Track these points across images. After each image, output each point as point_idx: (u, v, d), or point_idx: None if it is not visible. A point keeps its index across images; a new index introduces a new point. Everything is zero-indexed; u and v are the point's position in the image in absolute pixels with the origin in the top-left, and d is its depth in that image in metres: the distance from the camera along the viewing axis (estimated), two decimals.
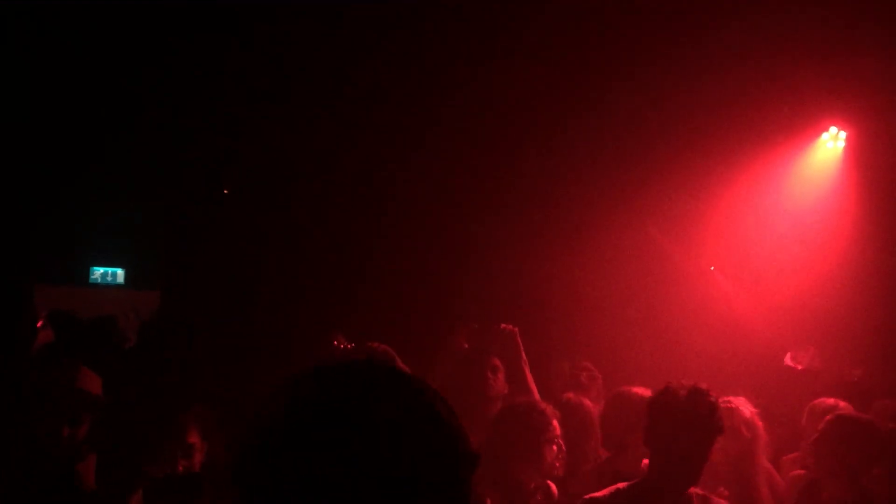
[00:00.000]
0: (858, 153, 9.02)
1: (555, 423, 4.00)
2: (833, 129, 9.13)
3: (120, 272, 12.90)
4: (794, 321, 8.30)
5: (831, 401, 4.75)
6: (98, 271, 12.76)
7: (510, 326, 5.20)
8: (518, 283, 10.00)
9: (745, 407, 4.25)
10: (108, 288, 12.66)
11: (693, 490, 3.46)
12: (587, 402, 4.84)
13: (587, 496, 3.52)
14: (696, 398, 3.39)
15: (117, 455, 3.39)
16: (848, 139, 9.09)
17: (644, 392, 4.03)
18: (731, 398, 4.31)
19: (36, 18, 8.20)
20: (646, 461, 3.51)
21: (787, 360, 7.19)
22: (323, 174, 10.71)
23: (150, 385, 4.13)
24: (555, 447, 3.95)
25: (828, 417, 4.20)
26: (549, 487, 4.00)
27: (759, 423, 4.17)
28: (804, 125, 9.11)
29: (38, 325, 4.62)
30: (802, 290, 8.64)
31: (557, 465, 3.94)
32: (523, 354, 5.10)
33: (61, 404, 3.16)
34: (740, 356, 7.71)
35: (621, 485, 3.49)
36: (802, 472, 4.51)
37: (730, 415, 4.00)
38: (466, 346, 5.43)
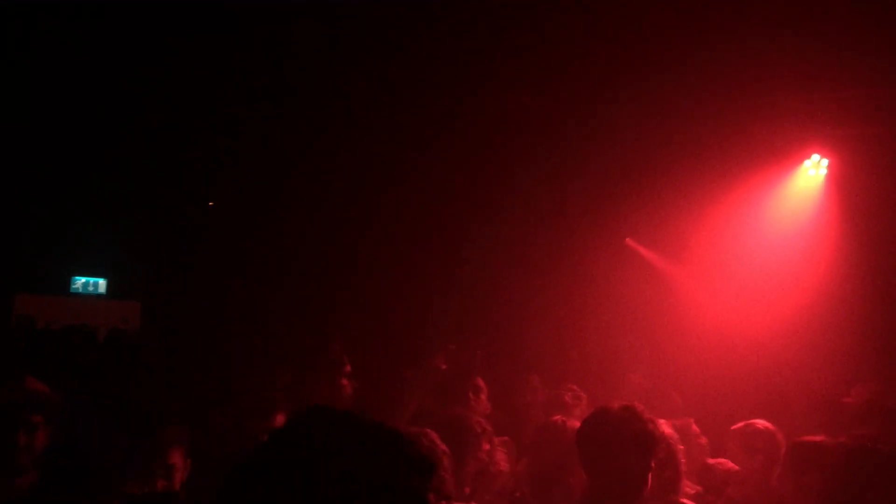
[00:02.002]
0: (840, 180, 9.10)
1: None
2: (815, 157, 9.21)
3: (102, 282, 12.85)
4: (778, 344, 8.35)
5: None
6: (80, 281, 12.71)
7: None
8: (494, 304, 10.04)
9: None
10: (90, 297, 12.60)
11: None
12: (572, 423, 4.84)
13: None
14: (627, 418, 3.32)
15: (89, 471, 3.35)
16: (830, 166, 9.17)
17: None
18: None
19: (8, 31, 8.16)
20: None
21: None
22: (305, 193, 10.73)
23: (125, 399, 4.10)
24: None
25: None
26: None
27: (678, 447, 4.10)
28: (787, 152, 9.19)
29: None
30: (785, 314, 8.70)
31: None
32: None
33: (10, 409, 3.10)
34: (724, 379, 7.73)
35: None
36: None
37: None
38: (444, 367, 5.43)
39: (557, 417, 4.99)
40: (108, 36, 8.32)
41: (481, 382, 4.92)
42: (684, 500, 3.76)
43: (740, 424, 4.66)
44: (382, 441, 1.40)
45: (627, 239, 10.83)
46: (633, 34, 7.51)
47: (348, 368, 4.93)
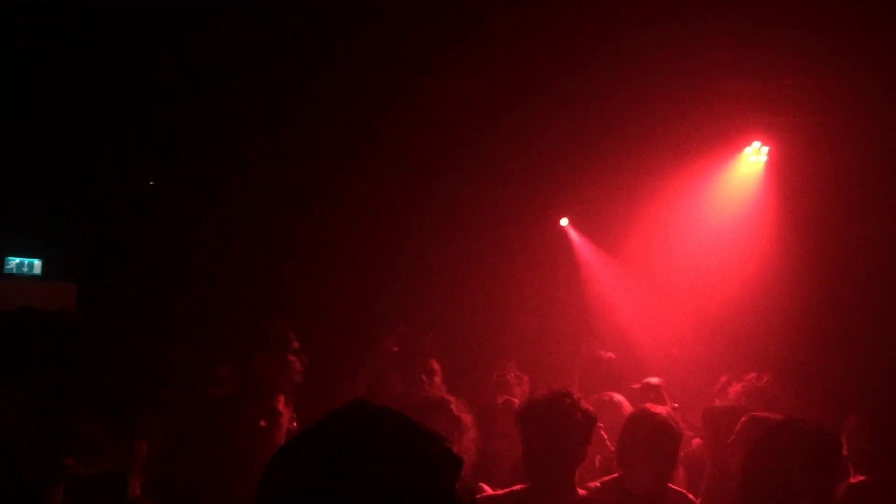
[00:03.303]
0: (780, 167, 9.28)
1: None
2: (756, 144, 9.37)
3: (37, 262, 12.51)
4: (714, 331, 8.50)
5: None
6: (13, 261, 12.36)
7: None
8: (445, 286, 10.04)
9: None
10: (24, 279, 12.27)
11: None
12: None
13: (484, 494, 3.70)
14: (557, 402, 3.53)
15: (34, 448, 3.29)
16: (770, 153, 9.35)
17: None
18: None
19: None
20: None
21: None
22: (250, 167, 10.58)
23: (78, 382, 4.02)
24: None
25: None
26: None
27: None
28: (728, 139, 9.34)
29: None
30: (724, 299, 8.86)
31: None
32: None
33: None
34: (661, 362, 7.84)
35: (517, 487, 3.63)
36: None
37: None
38: (395, 349, 5.41)
39: (501, 398, 5.05)
40: (44, 22, 8.11)
41: (435, 365, 4.92)
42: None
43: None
44: (419, 437, 1.38)
45: (561, 221, 10.94)
46: (575, 15, 7.53)
47: (296, 345, 4.88)
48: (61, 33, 8.43)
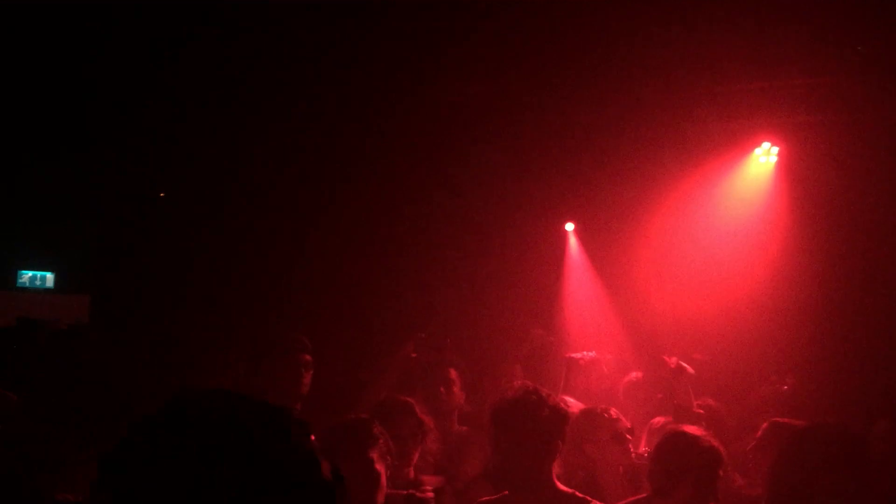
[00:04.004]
0: (790, 168, 9.23)
1: None
2: (766, 145, 9.33)
3: (49, 276, 12.57)
4: (727, 333, 8.46)
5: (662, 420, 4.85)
6: (26, 275, 12.42)
7: None
8: (462, 293, 10.03)
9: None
10: (37, 292, 12.32)
11: None
12: None
13: (483, 498, 3.68)
14: (522, 400, 3.53)
15: (23, 476, 3.24)
16: (780, 154, 9.30)
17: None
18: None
19: None
20: None
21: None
22: (260, 179, 10.60)
23: (66, 400, 4.00)
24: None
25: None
26: None
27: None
28: (738, 140, 9.30)
29: None
30: (735, 301, 8.81)
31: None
32: None
33: None
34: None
35: (506, 492, 3.61)
36: None
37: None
38: (414, 355, 5.42)
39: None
40: (51, 29, 8.14)
41: (454, 374, 4.90)
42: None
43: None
44: (263, 407, 1.34)
45: (566, 226, 10.92)
46: (581, 20, 7.51)
47: (308, 358, 4.89)
48: (77, 48, 8.46)
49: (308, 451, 1.31)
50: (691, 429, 3.89)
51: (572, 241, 10.75)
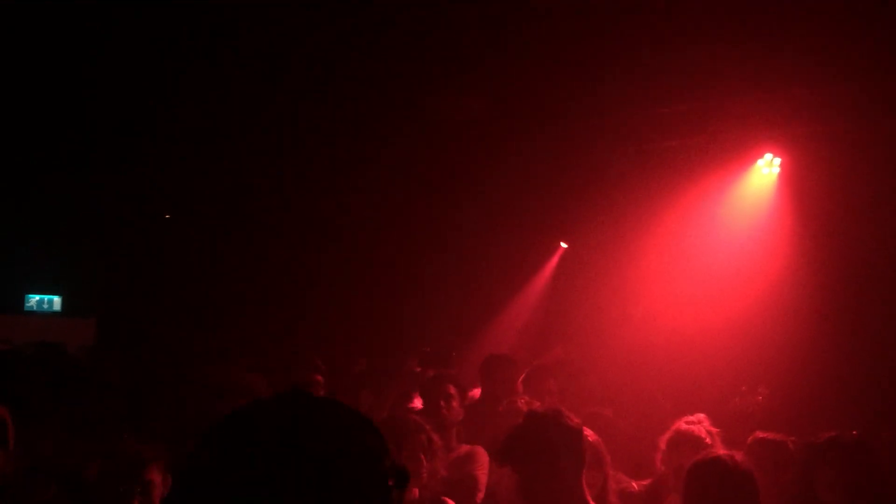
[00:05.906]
0: (792, 179, 9.24)
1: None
2: (768, 156, 9.35)
3: (56, 299, 12.60)
4: (729, 345, 8.44)
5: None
6: (34, 298, 12.46)
7: None
8: (468, 308, 10.04)
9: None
10: (45, 315, 12.36)
11: None
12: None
13: None
14: (541, 422, 3.40)
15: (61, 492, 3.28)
16: (782, 165, 9.32)
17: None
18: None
19: None
20: None
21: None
22: (265, 203, 10.64)
23: (98, 416, 4.02)
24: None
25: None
26: None
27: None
28: (740, 152, 9.32)
29: None
30: (737, 313, 8.80)
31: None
32: None
33: None
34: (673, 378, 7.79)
35: None
36: None
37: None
38: (419, 369, 5.42)
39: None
40: (59, 47, 8.19)
41: (453, 389, 4.89)
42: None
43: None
44: (356, 422, 1.36)
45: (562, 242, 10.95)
46: (583, 33, 7.55)
47: (320, 378, 4.91)
48: (84, 68, 8.52)
49: (381, 473, 1.32)
50: (727, 455, 3.60)
51: (568, 255, 10.81)
